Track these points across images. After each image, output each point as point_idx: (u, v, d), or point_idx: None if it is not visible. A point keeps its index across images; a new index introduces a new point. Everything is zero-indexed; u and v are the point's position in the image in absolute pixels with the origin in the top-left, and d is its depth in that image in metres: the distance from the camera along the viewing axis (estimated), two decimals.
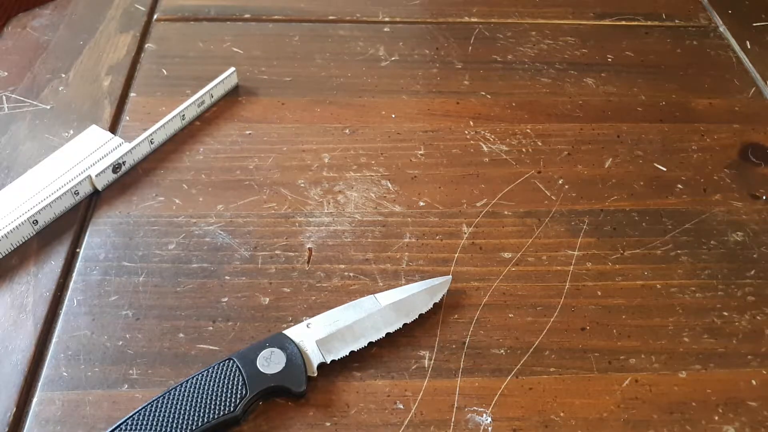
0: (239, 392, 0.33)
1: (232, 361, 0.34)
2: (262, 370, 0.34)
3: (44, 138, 0.47)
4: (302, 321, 0.37)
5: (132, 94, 0.51)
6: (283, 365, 0.34)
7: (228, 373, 0.34)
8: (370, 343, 0.36)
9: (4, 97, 0.50)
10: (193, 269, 0.40)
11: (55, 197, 0.42)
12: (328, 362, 0.35)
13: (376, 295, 0.38)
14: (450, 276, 0.39)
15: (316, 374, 0.35)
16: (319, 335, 0.36)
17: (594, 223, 0.44)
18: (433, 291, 0.38)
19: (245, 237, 0.42)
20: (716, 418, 0.35)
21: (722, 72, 0.56)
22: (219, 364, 0.34)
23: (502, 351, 0.37)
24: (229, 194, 0.44)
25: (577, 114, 0.52)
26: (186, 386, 0.33)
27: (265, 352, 0.34)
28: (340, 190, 0.45)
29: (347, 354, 0.36)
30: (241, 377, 0.33)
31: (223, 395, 0.33)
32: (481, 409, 0.35)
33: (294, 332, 0.36)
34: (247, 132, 0.49)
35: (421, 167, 0.47)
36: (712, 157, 0.49)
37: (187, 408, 0.32)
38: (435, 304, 0.38)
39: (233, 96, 0.51)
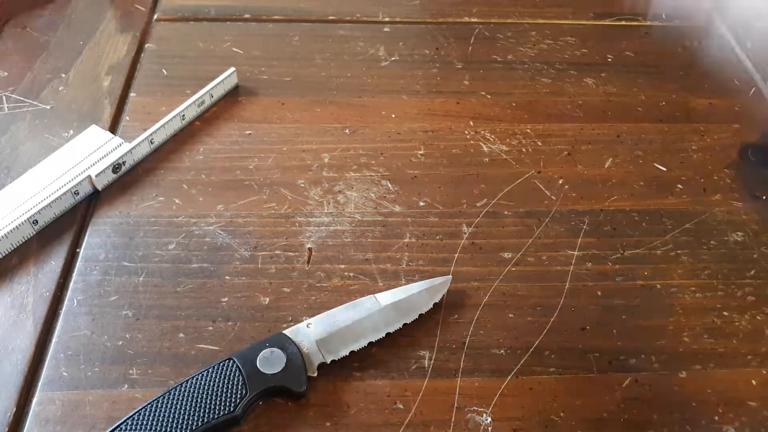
0: (239, 392, 0.33)
1: (232, 361, 0.34)
2: (262, 370, 0.34)
3: (44, 138, 0.47)
4: (302, 321, 0.37)
5: (132, 94, 0.51)
6: (283, 365, 0.34)
7: (228, 373, 0.34)
8: (370, 343, 0.36)
9: (4, 97, 0.50)
10: (193, 269, 0.40)
11: (55, 197, 0.42)
12: (328, 362, 0.35)
13: (376, 295, 0.38)
14: (450, 276, 0.39)
15: (316, 374, 0.35)
16: (319, 335, 0.36)
17: (594, 223, 0.44)
18: (433, 291, 0.38)
19: (245, 237, 0.42)
20: (716, 418, 0.35)
21: (722, 72, 0.56)
22: (219, 364, 0.34)
23: (502, 351, 0.37)
24: (229, 194, 0.44)
25: (577, 114, 0.52)
26: (186, 386, 0.33)
27: (265, 352, 0.34)
28: (340, 190, 0.45)
29: (347, 354, 0.36)
30: (241, 377, 0.33)
31: (223, 395, 0.33)
32: (481, 409, 0.35)
33: (294, 332, 0.36)
34: (247, 132, 0.49)
35: (421, 167, 0.47)
36: (712, 157, 0.49)
37: (187, 408, 0.32)
38: (435, 304, 0.38)
39: (233, 96, 0.51)
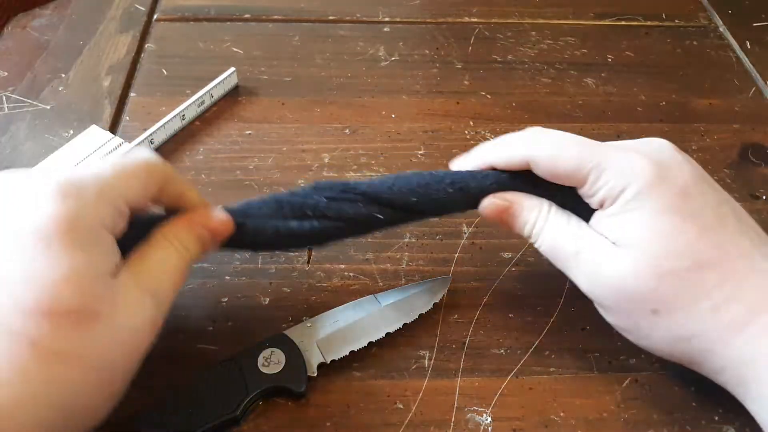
0: (239, 392, 0.33)
1: (232, 361, 0.34)
2: (262, 370, 0.34)
3: (44, 138, 0.47)
4: (302, 321, 0.37)
5: (132, 94, 0.51)
6: (283, 365, 0.34)
7: (228, 373, 0.34)
8: (370, 343, 0.36)
9: (4, 97, 0.50)
10: (193, 269, 0.40)
11: None
12: (328, 362, 0.35)
13: (376, 295, 0.38)
14: (450, 276, 0.39)
15: (316, 374, 0.35)
16: (319, 335, 0.36)
17: None
18: (433, 291, 0.38)
19: None
20: (716, 418, 0.35)
21: (722, 72, 0.57)
22: (219, 364, 0.34)
23: (502, 351, 0.37)
24: (229, 194, 0.44)
25: (577, 114, 0.52)
26: (186, 386, 0.33)
27: (265, 352, 0.34)
28: None
29: (347, 354, 0.36)
30: (241, 377, 0.33)
31: (223, 395, 0.33)
32: (481, 409, 0.35)
33: (294, 332, 0.36)
34: (247, 132, 0.49)
35: (421, 167, 0.47)
36: (712, 157, 0.49)
37: (187, 408, 0.32)
38: (435, 304, 0.38)
39: (233, 96, 0.51)
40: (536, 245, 0.35)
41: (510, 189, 0.35)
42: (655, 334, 0.32)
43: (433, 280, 0.39)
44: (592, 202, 0.34)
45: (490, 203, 0.35)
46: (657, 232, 0.31)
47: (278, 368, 0.34)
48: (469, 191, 0.35)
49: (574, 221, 0.34)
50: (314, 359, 0.35)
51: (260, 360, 0.34)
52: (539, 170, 0.34)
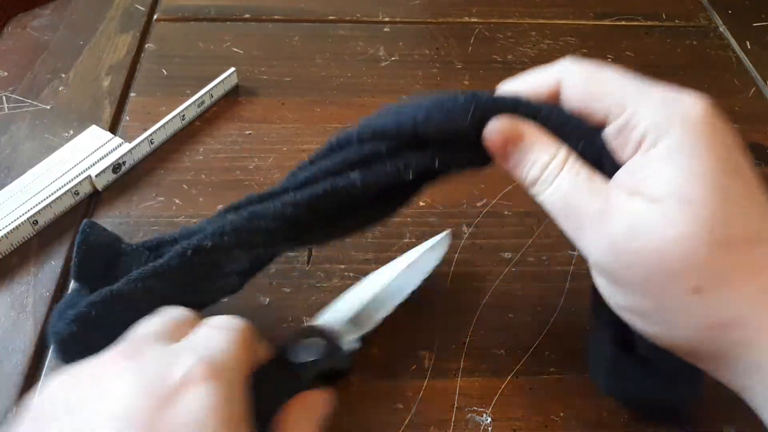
0: (296, 388, 0.30)
1: (269, 365, 0.31)
2: (302, 360, 0.32)
3: (44, 138, 0.47)
4: (324, 307, 0.37)
5: (132, 94, 0.51)
6: (323, 350, 0.33)
7: (276, 373, 0.31)
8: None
9: (4, 97, 0.50)
10: None
11: (55, 197, 0.42)
12: (363, 336, 0.35)
13: (377, 270, 0.39)
14: (449, 230, 0.40)
15: (359, 346, 0.35)
16: (347, 315, 0.36)
17: None
18: (435, 249, 0.39)
19: None
20: (716, 418, 0.35)
21: (722, 72, 0.57)
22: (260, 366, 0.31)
23: (502, 351, 0.37)
24: (229, 194, 0.44)
25: None
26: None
27: (302, 343, 0.33)
28: None
29: (380, 322, 0.36)
30: (293, 373, 0.31)
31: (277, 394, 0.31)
32: (481, 409, 0.35)
33: (322, 319, 0.35)
34: (247, 132, 0.49)
35: None
36: None
37: None
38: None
39: (233, 96, 0.51)
40: (540, 197, 0.29)
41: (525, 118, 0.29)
42: (684, 319, 0.26)
43: (433, 239, 0.40)
44: (629, 141, 0.27)
45: (497, 126, 0.29)
46: (718, 189, 0.25)
47: (318, 354, 0.33)
48: (478, 103, 0.29)
49: (598, 175, 0.28)
50: (350, 335, 0.35)
51: (298, 352, 0.32)
52: (570, 93, 0.29)
